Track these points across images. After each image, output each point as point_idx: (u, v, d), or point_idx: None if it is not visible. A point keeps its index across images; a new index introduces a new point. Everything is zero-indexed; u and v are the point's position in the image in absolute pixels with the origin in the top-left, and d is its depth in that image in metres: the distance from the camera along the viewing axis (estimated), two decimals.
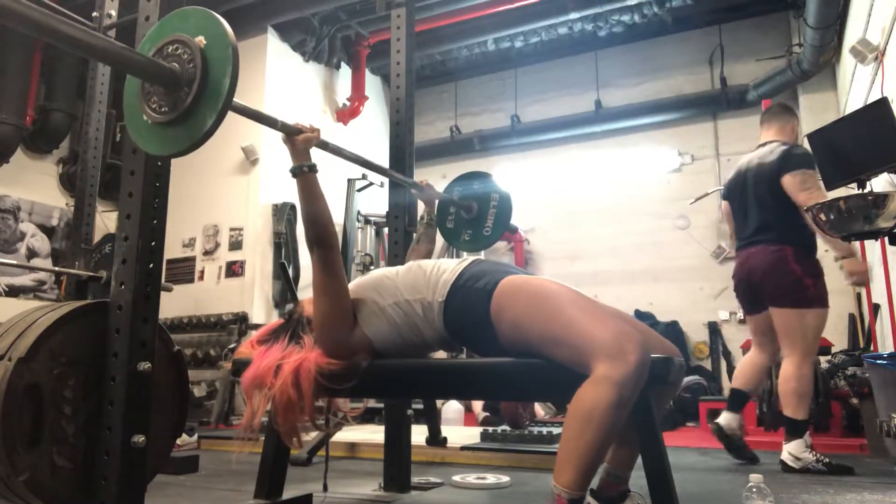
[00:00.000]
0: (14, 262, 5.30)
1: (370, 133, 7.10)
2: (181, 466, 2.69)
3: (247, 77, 6.05)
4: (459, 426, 4.25)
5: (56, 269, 3.81)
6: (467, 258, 1.63)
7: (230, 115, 1.29)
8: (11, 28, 1.14)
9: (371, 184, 5.83)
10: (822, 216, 2.73)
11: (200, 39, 1.29)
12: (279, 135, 1.59)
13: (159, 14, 1.56)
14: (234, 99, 1.29)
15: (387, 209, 2.52)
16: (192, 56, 1.28)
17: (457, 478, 2.46)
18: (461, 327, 1.52)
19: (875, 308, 4.17)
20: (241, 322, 5.48)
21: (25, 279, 5.84)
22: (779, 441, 2.84)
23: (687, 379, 5.10)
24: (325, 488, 1.88)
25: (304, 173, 1.55)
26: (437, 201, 2.36)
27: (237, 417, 4.96)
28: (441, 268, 1.58)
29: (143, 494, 1.47)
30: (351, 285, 1.64)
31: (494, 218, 2.46)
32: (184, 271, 6.08)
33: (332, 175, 6.49)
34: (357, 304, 1.58)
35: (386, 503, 2.14)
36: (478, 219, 2.48)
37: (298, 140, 1.57)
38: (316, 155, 1.61)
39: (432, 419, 2.99)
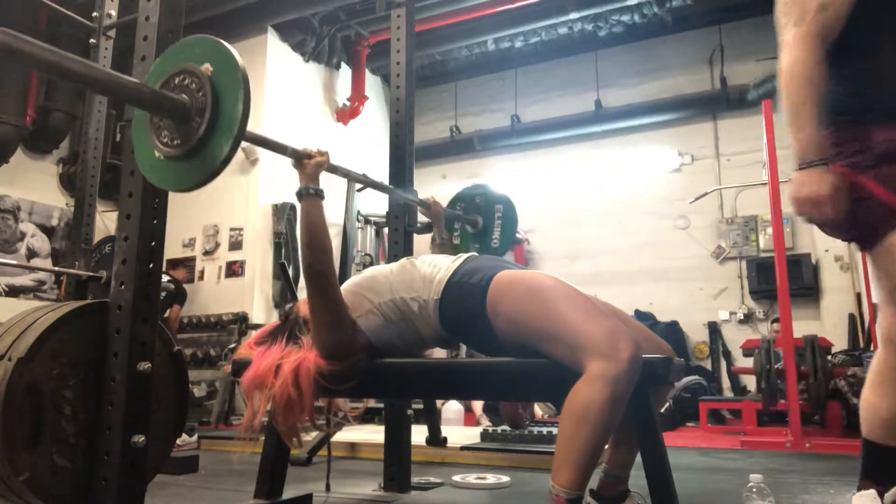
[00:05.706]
0: (14, 262, 5.29)
1: (370, 133, 7.10)
2: (181, 466, 2.69)
3: None
4: (459, 426, 4.25)
5: (56, 269, 3.81)
6: (462, 255, 1.63)
7: None
8: (10, 23, 1.13)
9: None
10: None
11: (207, 67, 1.25)
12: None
13: (159, 14, 1.55)
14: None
15: (387, 209, 2.53)
16: (200, 85, 1.24)
17: (457, 478, 2.46)
18: (457, 323, 1.52)
19: (875, 308, 4.17)
20: (241, 322, 5.48)
21: (25, 279, 5.84)
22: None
23: (687, 379, 5.10)
24: (328, 488, 1.88)
25: (311, 196, 1.54)
26: (443, 219, 2.35)
27: (237, 417, 4.96)
28: (437, 266, 1.58)
29: (143, 494, 1.47)
30: (347, 283, 1.64)
31: (501, 228, 2.48)
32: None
33: (331, 175, 6.51)
34: (353, 302, 1.57)
35: (386, 503, 2.14)
36: (484, 231, 2.50)
37: (309, 164, 1.56)
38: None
39: (432, 419, 2.99)
